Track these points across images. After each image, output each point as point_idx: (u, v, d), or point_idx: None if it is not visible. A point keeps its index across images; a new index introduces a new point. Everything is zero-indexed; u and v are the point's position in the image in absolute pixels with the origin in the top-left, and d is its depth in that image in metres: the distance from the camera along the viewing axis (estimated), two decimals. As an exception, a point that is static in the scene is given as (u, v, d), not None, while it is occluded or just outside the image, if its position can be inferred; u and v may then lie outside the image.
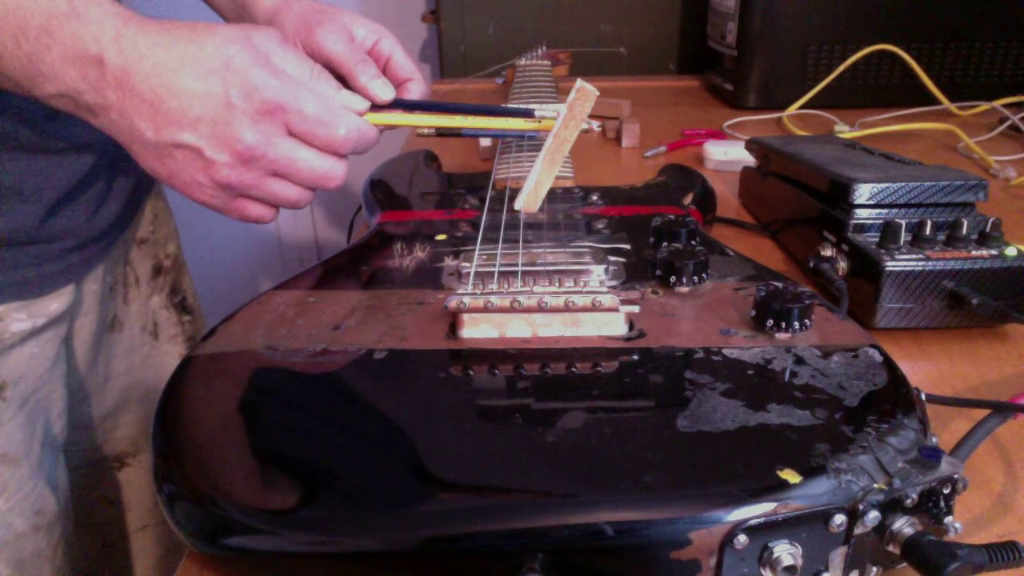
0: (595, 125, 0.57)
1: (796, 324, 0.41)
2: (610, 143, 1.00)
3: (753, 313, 0.42)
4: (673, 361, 0.38)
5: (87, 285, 0.58)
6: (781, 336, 0.41)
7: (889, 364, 0.38)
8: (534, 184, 0.55)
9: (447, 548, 0.29)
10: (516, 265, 0.45)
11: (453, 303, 0.41)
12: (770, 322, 0.41)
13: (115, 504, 0.69)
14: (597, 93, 0.52)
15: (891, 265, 0.49)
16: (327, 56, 0.52)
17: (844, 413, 0.34)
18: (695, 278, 0.46)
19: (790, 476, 0.30)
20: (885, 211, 0.54)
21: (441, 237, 0.55)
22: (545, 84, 0.93)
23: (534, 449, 0.32)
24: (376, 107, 0.51)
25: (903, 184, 0.54)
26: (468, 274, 0.44)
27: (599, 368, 0.38)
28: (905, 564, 0.30)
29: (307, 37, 0.53)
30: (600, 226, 0.55)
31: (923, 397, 0.38)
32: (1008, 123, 0.97)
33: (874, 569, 0.31)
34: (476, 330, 0.42)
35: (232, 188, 0.43)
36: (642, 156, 0.94)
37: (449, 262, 0.50)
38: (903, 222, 0.51)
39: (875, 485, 0.30)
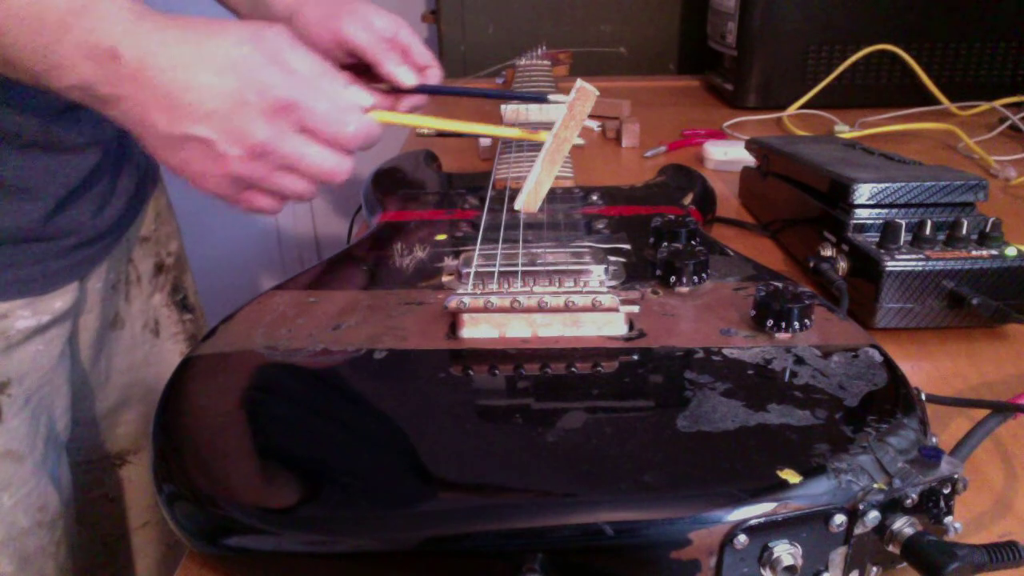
0: (594, 125, 0.58)
1: (796, 324, 0.41)
2: (610, 143, 1.00)
3: (753, 313, 0.42)
4: (673, 361, 0.38)
5: (91, 283, 0.58)
6: (781, 336, 0.41)
7: (889, 364, 0.38)
8: (534, 184, 0.55)
9: (447, 548, 0.29)
10: (516, 265, 0.45)
11: (453, 303, 0.41)
12: (770, 322, 0.41)
13: (116, 501, 0.69)
14: (597, 93, 0.52)
15: (891, 265, 0.49)
16: (353, 45, 0.56)
17: (844, 413, 0.34)
18: (695, 278, 0.46)
19: (790, 476, 0.30)
20: (885, 211, 0.54)
21: (441, 237, 0.55)
22: (545, 84, 0.93)
23: (534, 449, 0.32)
24: (390, 92, 0.52)
25: (903, 184, 0.54)
26: (468, 274, 0.44)
27: (599, 368, 0.38)
28: (905, 564, 0.30)
29: (334, 28, 0.56)
30: (600, 226, 0.55)
31: (923, 397, 0.38)
32: (1008, 123, 0.97)
33: (874, 569, 0.31)
34: (476, 330, 0.42)
35: (242, 181, 0.44)
36: (642, 156, 0.94)
37: (449, 262, 0.50)
38: (903, 222, 0.51)
39: (875, 485, 0.30)
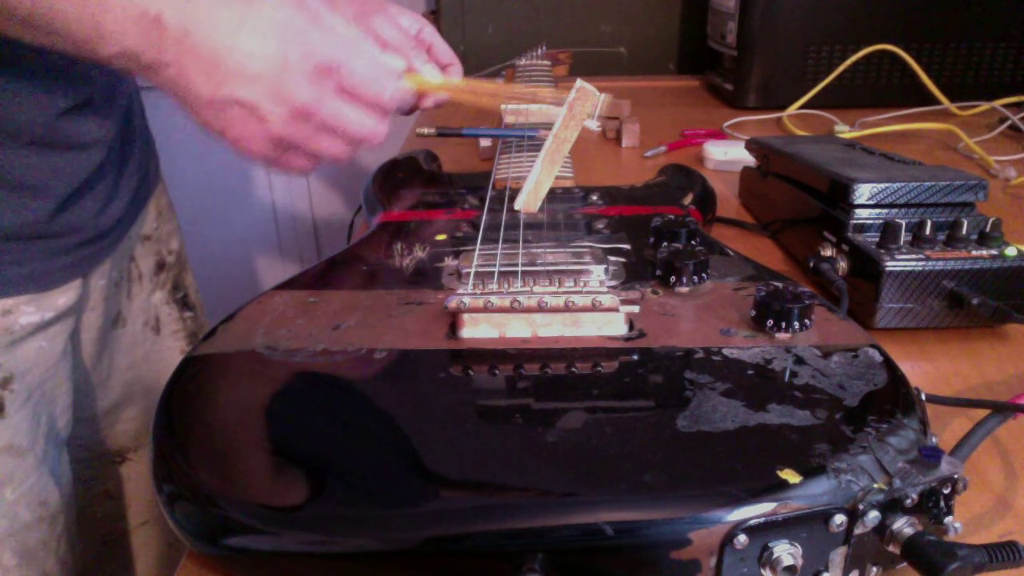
0: (594, 125, 0.57)
1: (796, 324, 0.41)
2: (610, 143, 1.00)
3: (753, 313, 0.42)
4: (673, 361, 0.38)
5: (94, 280, 0.59)
6: (781, 336, 0.41)
7: (889, 364, 0.38)
8: (534, 184, 0.55)
9: (447, 548, 0.29)
10: (516, 265, 0.45)
11: (453, 303, 0.41)
12: (770, 322, 0.41)
13: (116, 499, 0.69)
14: (597, 93, 0.52)
15: (891, 265, 0.49)
16: (382, 42, 0.57)
17: (844, 413, 0.34)
18: (695, 278, 0.46)
19: (790, 476, 0.30)
20: (885, 211, 0.54)
21: (441, 237, 0.55)
22: (545, 84, 0.93)
23: (534, 449, 0.32)
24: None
25: (903, 184, 0.54)
26: (468, 274, 0.44)
27: (599, 368, 0.38)
28: (905, 564, 0.30)
29: (366, 26, 0.58)
30: (600, 226, 0.55)
31: (923, 397, 0.38)
32: (1008, 123, 0.97)
33: (874, 569, 0.31)
34: (476, 330, 0.42)
35: (283, 143, 0.44)
36: (642, 156, 0.94)
37: (449, 262, 0.50)
38: (903, 222, 0.51)
39: (875, 485, 0.30)
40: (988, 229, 0.51)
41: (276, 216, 1.69)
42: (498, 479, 0.31)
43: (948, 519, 0.31)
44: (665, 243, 0.51)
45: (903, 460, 0.31)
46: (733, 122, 1.05)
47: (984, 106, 1.05)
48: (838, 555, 0.30)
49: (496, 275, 0.44)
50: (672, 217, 0.53)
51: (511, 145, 0.70)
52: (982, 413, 0.39)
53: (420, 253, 0.52)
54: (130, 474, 0.69)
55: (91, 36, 0.39)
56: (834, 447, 0.31)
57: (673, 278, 0.46)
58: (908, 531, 0.29)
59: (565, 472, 0.31)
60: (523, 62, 1.09)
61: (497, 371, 0.38)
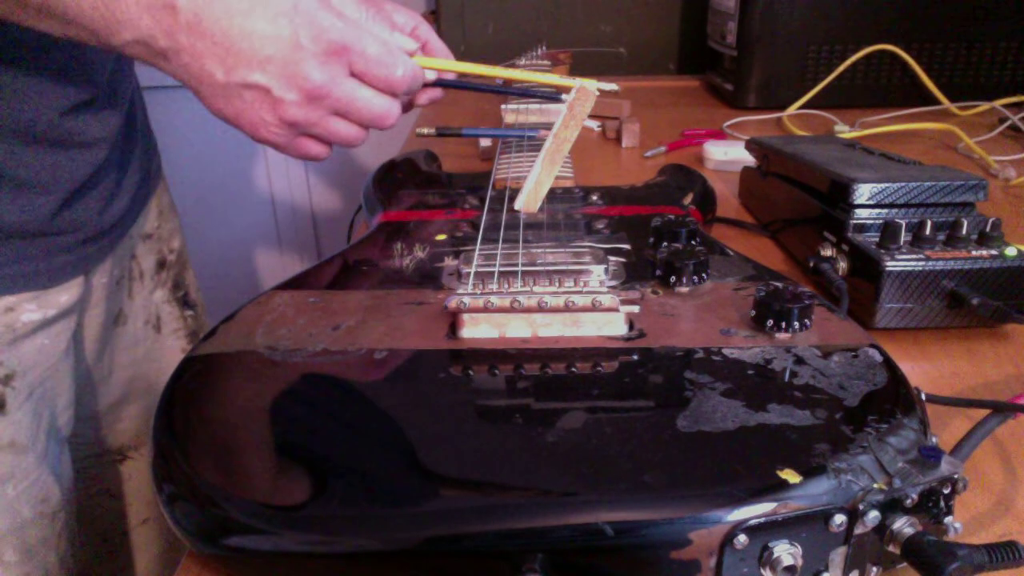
0: (594, 125, 0.57)
1: (796, 324, 0.41)
2: (610, 143, 1.00)
3: (753, 313, 0.42)
4: (673, 361, 0.38)
5: (96, 278, 0.59)
6: (781, 336, 0.41)
7: (889, 364, 0.38)
8: (534, 184, 0.55)
9: (447, 548, 0.29)
10: (516, 265, 0.45)
11: (453, 303, 0.41)
12: (770, 322, 0.41)
13: (116, 497, 0.69)
14: (597, 93, 0.52)
15: (891, 265, 0.49)
16: (392, 24, 0.56)
17: (844, 413, 0.34)
18: (695, 278, 0.46)
19: (790, 476, 0.30)
20: (885, 211, 0.54)
21: (441, 237, 0.55)
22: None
23: (534, 449, 0.32)
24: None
25: (903, 184, 0.54)
26: (468, 274, 0.44)
27: (599, 368, 0.38)
28: (905, 564, 0.30)
29: (373, 8, 0.57)
30: (600, 226, 0.55)
31: (923, 397, 0.38)
32: (1008, 123, 0.97)
33: (874, 569, 0.31)
34: (476, 330, 0.42)
35: (297, 126, 0.45)
36: (642, 156, 0.94)
37: (449, 262, 0.50)
38: (903, 222, 0.51)
39: (875, 485, 0.30)
40: (988, 229, 0.51)
41: (276, 215, 1.69)
42: (498, 479, 0.31)
43: (948, 519, 0.31)
44: (665, 243, 0.51)
45: (903, 460, 0.31)
46: (733, 122, 1.05)
47: (984, 106, 1.05)
48: (838, 555, 0.30)
49: (496, 275, 0.44)
50: (672, 217, 0.53)
51: (511, 145, 0.70)
52: (982, 413, 0.39)
53: (420, 253, 0.52)
54: (131, 472, 0.69)
55: (105, 24, 0.39)
56: (834, 447, 0.31)
57: (673, 278, 0.46)
58: (908, 531, 0.29)
59: (565, 472, 0.31)
60: (523, 62, 1.09)
61: (497, 371, 0.38)
